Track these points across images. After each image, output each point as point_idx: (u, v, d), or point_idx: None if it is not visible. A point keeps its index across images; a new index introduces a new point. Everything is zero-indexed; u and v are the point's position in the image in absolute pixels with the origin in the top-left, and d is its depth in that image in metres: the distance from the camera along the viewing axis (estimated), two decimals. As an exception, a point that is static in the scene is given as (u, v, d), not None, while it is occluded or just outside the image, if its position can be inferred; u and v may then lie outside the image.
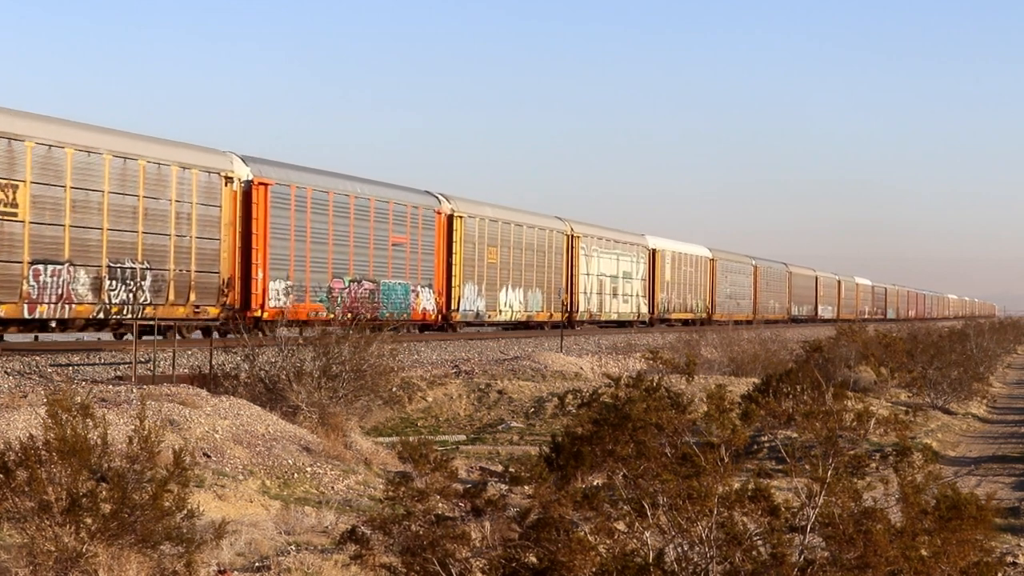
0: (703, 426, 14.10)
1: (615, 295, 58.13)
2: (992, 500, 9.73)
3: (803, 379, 21.67)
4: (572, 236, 53.56)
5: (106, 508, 10.16)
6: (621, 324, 59.00)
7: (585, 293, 54.63)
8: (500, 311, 46.50)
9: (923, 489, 9.66)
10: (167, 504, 10.28)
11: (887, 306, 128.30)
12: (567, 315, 52.39)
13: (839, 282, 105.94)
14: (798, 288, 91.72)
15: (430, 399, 26.46)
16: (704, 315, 70.35)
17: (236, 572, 11.64)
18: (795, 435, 16.51)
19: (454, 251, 42.97)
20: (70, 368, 22.83)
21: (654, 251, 63.56)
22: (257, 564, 12.02)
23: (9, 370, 21.44)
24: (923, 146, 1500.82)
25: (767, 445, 19.73)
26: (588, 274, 54.87)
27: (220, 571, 11.42)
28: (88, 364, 23.68)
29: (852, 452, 11.14)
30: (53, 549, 10.10)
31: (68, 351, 25.60)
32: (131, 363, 22.58)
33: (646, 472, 10.36)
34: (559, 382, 29.19)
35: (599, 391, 18.84)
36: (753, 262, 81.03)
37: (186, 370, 23.63)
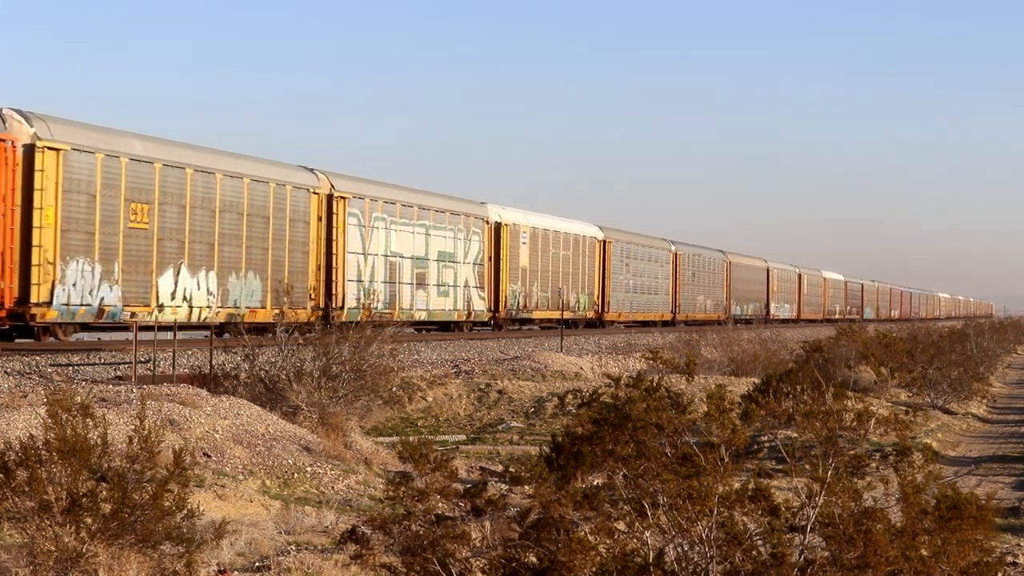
0: (703, 426, 14.07)
1: (423, 285, 41.12)
2: (992, 500, 9.74)
3: (803, 379, 21.69)
4: (332, 196, 36.09)
5: (106, 508, 10.16)
6: (444, 326, 43.68)
7: (358, 281, 37.16)
8: (161, 305, 29.31)
9: (923, 489, 9.66)
10: (167, 504, 10.29)
11: (864, 304, 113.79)
12: (321, 312, 34.41)
13: (799, 276, 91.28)
14: (741, 282, 76.98)
15: (430, 399, 26.46)
16: (591, 313, 55.48)
17: (236, 572, 11.65)
18: (795, 435, 16.46)
19: (39, 206, 26.01)
20: (70, 368, 22.84)
21: (499, 225, 47.03)
22: (257, 564, 12.02)
23: (9, 370, 21.45)
24: (921, 145, 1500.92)
25: (767, 445, 19.69)
26: (365, 253, 37.70)
27: (220, 571, 11.43)
28: (88, 364, 23.69)
29: (852, 452, 11.13)
30: (53, 549, 10.10)
31: (68, 351, 25.61)
32: (131, 363, 22.59)
33: (646, 472, 10.36)
34: (559, 382, 29.20)
35: (599, 391, 18.84)
36: (672, 247, 66.36)
37: (186, 370, 23.65)
